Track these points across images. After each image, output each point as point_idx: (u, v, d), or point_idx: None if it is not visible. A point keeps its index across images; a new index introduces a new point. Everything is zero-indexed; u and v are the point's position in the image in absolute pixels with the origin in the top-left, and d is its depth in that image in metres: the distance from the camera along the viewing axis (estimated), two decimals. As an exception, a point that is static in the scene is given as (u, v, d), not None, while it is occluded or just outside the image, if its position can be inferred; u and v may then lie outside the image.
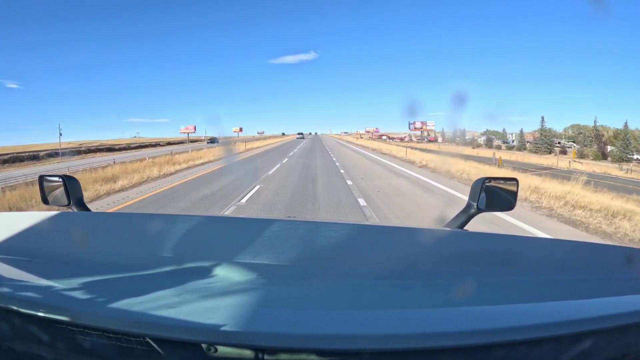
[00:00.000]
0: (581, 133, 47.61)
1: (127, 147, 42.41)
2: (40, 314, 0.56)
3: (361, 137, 77.20)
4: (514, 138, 55.58)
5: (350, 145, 36.96)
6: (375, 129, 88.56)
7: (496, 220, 5.14)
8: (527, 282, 0.73)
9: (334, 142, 48.10)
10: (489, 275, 0.74)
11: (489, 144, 55.02)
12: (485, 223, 4.59)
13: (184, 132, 66.55)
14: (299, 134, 79.44)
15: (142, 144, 48.33)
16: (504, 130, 58.25)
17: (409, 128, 72.27)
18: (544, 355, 0.53)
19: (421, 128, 71.38)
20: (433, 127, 71.63)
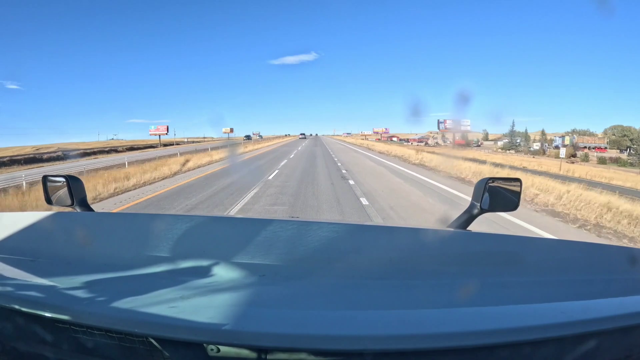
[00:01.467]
0: (625, 135, 39.78)
1: (60, 157, 31.36)
2: (43, 313, 0.56)
3: (366, 139, 69.81)
4: (567, 142, 45.72)
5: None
6: (384, 129, 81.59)
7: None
8: (530, 283, 0.72)
9: (348, 149, 29.91)
10: (492, 276, 0.74)
11: (578, 153, 39.14)
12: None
13: (155, 134, 56.89)
14: (301, 134, 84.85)
15: (89, 150, 37.77)
16: (542, 132, 48.72)
17: (439, 128, 61.23)
18: (548, 356, 0.53)
19: (453, 127, 60.45)
20: (469, 127, 58.89)
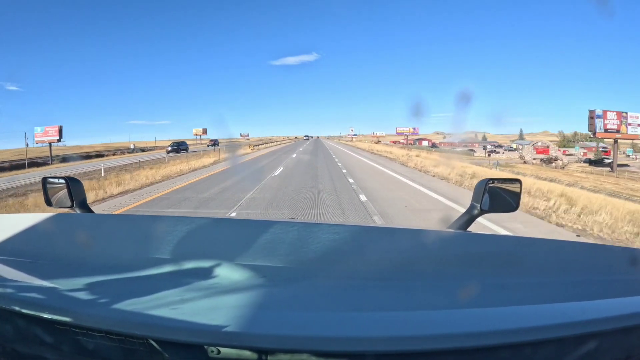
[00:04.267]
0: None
1: None
2: (43, 315, 0.56)
3: (378, 142, 56.66)
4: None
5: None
6: (411, 130, 65.33)
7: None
8: (530, 284, 0.72)
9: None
10: (493, 277, 0.74)
11: None
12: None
13: (42, 141, 36.95)
14: (305, 136, 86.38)
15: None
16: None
17: (592, 129, 33.52)
18: (548, 357, 0.53)
19: (617, 128, 33.20)
20: (638, 128, 33.04)
